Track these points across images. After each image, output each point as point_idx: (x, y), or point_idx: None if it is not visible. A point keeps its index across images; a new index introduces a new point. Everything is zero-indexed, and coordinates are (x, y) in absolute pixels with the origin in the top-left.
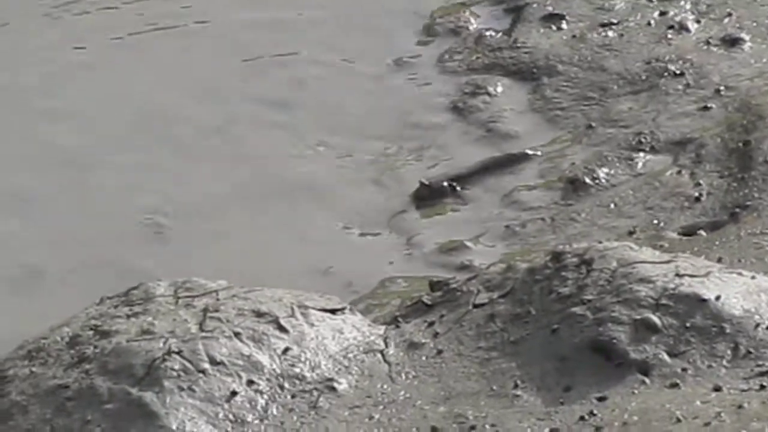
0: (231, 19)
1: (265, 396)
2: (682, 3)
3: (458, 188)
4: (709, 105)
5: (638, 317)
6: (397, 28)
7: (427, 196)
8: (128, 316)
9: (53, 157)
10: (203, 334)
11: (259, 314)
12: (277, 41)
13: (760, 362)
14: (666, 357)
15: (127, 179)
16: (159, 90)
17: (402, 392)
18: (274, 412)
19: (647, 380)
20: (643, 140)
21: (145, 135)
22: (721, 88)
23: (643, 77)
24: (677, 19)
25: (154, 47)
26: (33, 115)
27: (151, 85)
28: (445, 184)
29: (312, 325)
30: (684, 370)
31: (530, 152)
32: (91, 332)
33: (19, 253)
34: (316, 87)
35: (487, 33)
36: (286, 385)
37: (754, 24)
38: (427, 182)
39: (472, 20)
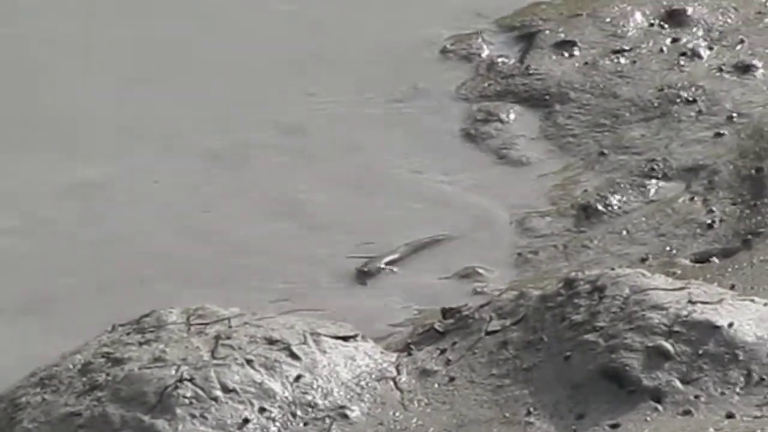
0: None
1: (278, 423)
2: (695, 30)
3: (394, 270)
4: (721, 132)
5: (651, 344)
6: (410, 55)
7: (366, 280)
8: (140, 344)
9: (70, 183)
10: (215, 361)
11: (272, 341)
12: (291, 65)
13: None
14: (679, 384)
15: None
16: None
17: (414, 420)
18: None
19: (660, 407)
20: (655, 167)
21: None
22: (734, 114)
23: (656, 104)
24: (689, 46)
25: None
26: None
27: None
28: (383, 266)
29: (324, 352)
30: (697, 397)
31: (454, 234)
32: (103, 360)
33: (31, 279)
34: (329, 113)
35: (500, 60)
36: (299, 412)
37: (767, 51)
38: (365, 269)
39: (485, 47)
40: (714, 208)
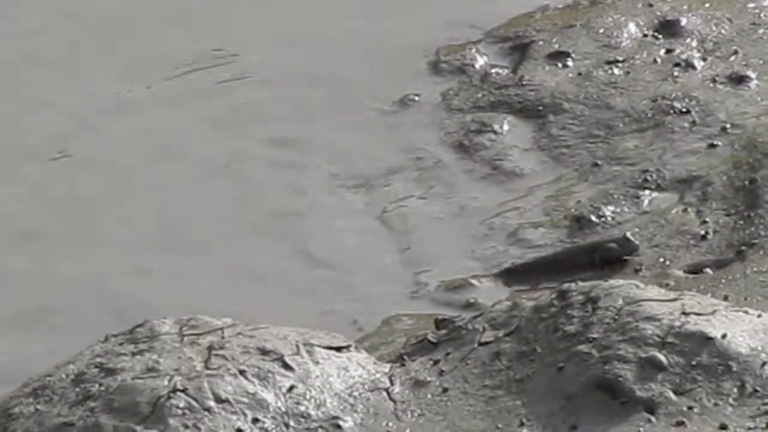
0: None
1: None
2: (689, 41)
3: None
4: (715, 143)
5: (644, 355)
6: (404, 65)
7: None
8: (133, 354)
9: (63, 196)
10: (208, 371)
11: (265, 352)
12: (282, 77)
13: (767, 400)
14: (672, 395)
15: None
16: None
17: (407, 430)
18: None
19: (653, 418)
20: (648, 178)
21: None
22: (728, 125)
23: (649, 115)
24: (683, 56)
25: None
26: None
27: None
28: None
29: (317, 362)
30: (690, 408)
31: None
32: (96, 370)
33: (25, 291)
34: (322, 124)
35: (493, 71)
36: (292, 423)
37: (761, 62)
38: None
39: (478, 58)
40: (707, 219)
